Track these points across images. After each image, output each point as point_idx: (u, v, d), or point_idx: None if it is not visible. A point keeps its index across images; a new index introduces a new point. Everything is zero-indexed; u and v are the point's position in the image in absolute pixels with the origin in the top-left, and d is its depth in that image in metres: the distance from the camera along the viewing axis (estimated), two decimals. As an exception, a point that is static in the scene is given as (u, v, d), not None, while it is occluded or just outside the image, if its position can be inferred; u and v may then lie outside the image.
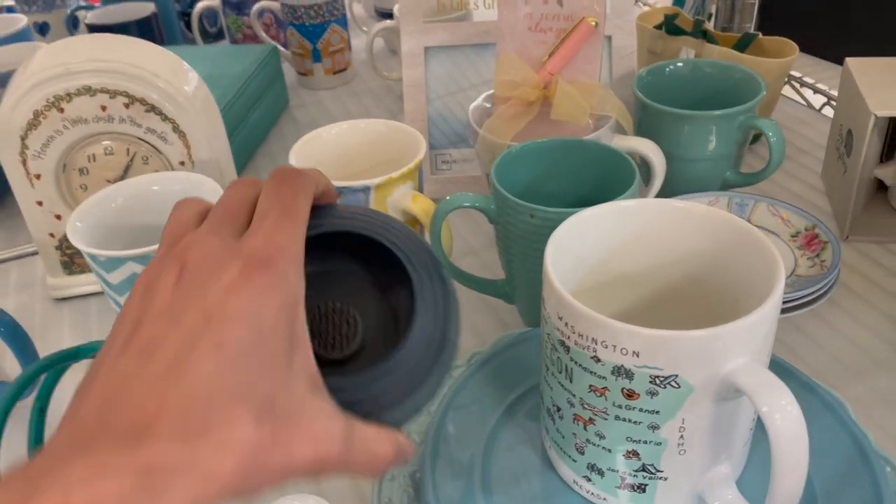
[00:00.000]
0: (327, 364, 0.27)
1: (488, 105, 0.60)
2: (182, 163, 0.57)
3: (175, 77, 0.56)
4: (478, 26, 0.67)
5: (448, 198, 0.48)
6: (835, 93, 0.80)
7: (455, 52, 0.68)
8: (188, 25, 1.07)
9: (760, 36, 0.71)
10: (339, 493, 0.43)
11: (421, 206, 0.50)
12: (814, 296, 0.49)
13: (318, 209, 0.29)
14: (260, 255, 0.24)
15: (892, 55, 0.61)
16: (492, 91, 0.61)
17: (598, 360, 0.31)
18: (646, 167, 0.56)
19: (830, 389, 0.41)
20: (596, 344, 0.31)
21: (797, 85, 0.83)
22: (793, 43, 0.69)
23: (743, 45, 0.71)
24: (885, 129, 0.58)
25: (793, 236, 0.55)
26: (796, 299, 0.48)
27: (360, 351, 0.30)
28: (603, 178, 0.48)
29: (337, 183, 0.51)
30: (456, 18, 0.76)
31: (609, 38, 0.67)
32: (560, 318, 0.32)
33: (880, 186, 0.62)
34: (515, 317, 0.54)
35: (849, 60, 0.61)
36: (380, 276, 0.31)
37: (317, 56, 0.92)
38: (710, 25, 0.75)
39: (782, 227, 0.56)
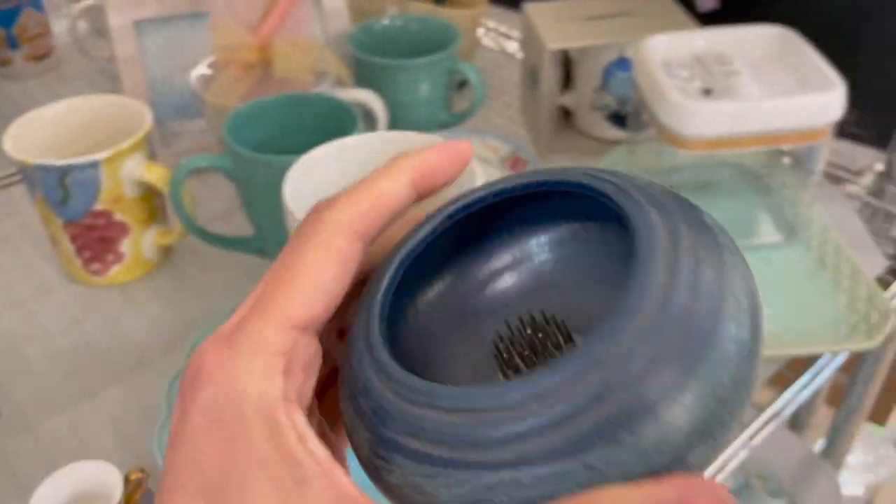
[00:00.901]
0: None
1: (210, 72, 0.62)
2: None
3: None
4: (188, -4, 0.67)
5: (182, 161, 0.49)
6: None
7: (169, 25, 0.68)
8: None
9: (454, -9, 0.79)
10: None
11: (157, 174, 0.51)
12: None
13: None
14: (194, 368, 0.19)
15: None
16: (212, 58, 0.62)
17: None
18: (370, 116, 0.61)
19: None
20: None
21: (494, 35, 0.93)
22: (482, -5, 0.78)
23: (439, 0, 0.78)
24: (562, 62, 0.68)
25: (503, 160, 0.64)
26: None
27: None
28: (330, 127, 0.52)
29: (62, 161, 0.50)
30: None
31: None
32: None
33: (567, 113, 0.73)
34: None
35: (527, 5, 0.70)
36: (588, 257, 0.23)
37: (13, 43, 0.86)
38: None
39: (493, 155, 0.64)
